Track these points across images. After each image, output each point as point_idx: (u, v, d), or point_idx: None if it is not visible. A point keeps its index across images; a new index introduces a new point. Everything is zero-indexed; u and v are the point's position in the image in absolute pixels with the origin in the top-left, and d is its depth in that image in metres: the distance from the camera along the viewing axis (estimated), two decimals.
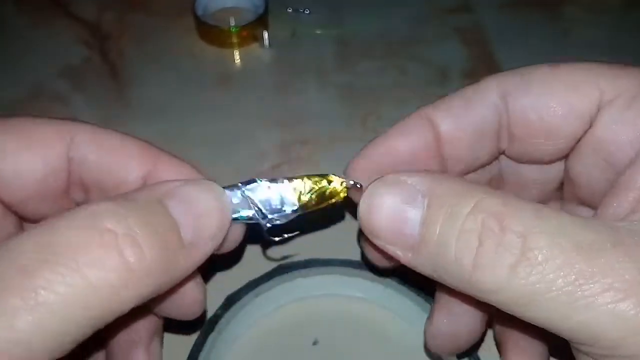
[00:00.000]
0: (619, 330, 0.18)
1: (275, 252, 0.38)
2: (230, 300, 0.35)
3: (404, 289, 0.35)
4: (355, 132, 0.48)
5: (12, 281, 0.18)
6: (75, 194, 0.27)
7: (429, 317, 0.29)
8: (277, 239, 0.28)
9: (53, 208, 0.26)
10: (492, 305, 0.21)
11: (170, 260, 0.22)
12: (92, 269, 0.19)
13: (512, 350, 0.29)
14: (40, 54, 0.54)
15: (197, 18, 0.54)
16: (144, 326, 0.29)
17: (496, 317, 0.30)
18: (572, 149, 0.26)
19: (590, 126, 0.24)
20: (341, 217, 0.40)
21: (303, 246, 0.38)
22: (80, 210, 0.21)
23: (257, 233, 0.27)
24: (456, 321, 0.28)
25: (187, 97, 0.50)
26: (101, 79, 0.52)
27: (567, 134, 0.25)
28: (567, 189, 0.28)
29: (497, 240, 0.20)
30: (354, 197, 0.27)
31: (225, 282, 0.36)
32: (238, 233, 0.27)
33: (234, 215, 0.26)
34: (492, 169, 0.29)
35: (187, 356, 0.33)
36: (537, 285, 0.19)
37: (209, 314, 0.35)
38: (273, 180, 0.27)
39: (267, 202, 0.26)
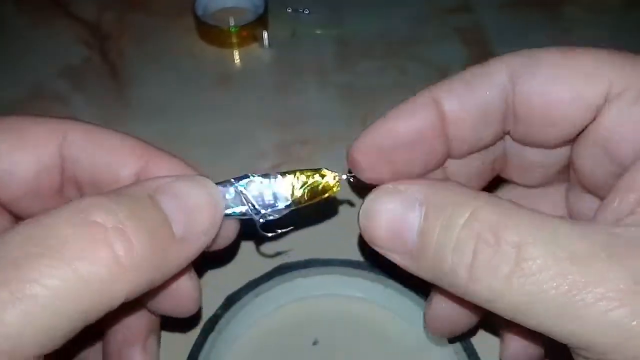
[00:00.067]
0: (613, 337, 0.19)
1: (269, 248, 0.38)
2: (230, 300, 0.35)
3: (404, 289, 0.35)
4: (355, 132, 0.47)
5: (0, 275, 0.18)
6: (69, 191, 0.27)
7: (428, 301, 0.29)
8: (270, 234, 0.28)
9: (47, 206, 0.26)
10: None
11: (161, 254, 0.22)
12: (82, 262, 0.19)
13: (509, 333, 0.29)
14: (40, 54, 0.54)
15: (197, 18, 0.54)
16: (140, 324, 0.29)
17: None
18: (577, 137, 0.25)
19: (596, 117, 0.24)
20: (334, 212, 0.41)
21: (299, 243, 0.38)
22: (70, 205, 0.20)
23: (251, 229, 0.27)
24: (454, 308, 0.28)
25: (187, 97, 0.50)
26: (101, 79, 0.52)
27: (571, 123, 0.25)
28: (573, 175, 0.28)
29: (491, 251, 0.20)
30: (355, 185, 0.27)
31: (225, 282, 0.36)
32: (231, 229, 0.27)
33: (227, 211, 0.26)
34: (497, 149, 0.29)
35: (187, 356, 0.33)
36: (532, 296, 0.19)
37: (209, 314, 0.35)
38: (266, 175, 0.27)
39: (260, 198, 0.26)
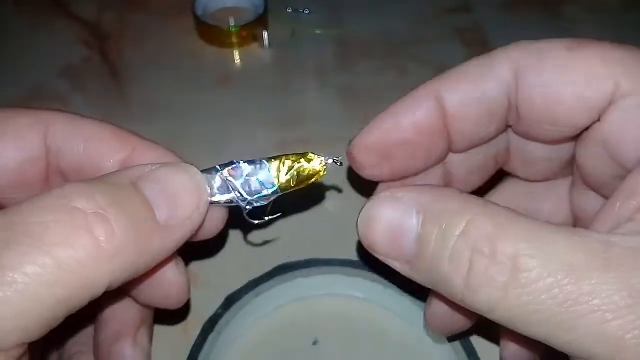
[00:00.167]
0: (608, 350, 0.19)
1: (256, 237, 0.38)
2: (230, 300, 0.35)
3: (404, 289, 0.35)
4: (355, 132, 0.48)
5: None
6: (55, 182, 0.27)
7: (429, 299, 0.29)
8: (257, 222, 0.28)
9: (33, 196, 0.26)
10: None
11: (143, 240, 0.21)
12: (62, 248, 0.19)
13: (509, 333, 0.29)
14: (40, 54, 0.54)
15: (197, 18, 0.54)
16: (131, 316, 0.29)
17: None
18: (580, 135, 0.25)
19: (601, 118, 0.24)
20: (322, 198, 0.41)
21: (285, 230, 0.38)
22: (51, 193, 0.20)
23: (239, 217, 0.27)
24: (453, 307, 0.28)
25: (187, 97, 0.50)
26: (101, 79, 0.52)
27: (574, 124, 0.24)
28: (576, 171, 0.28)
29: (487, 262, 0.20)
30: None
31: (225, 282, 0.36)
32: (219, 218, 0.27)
33: (214, 199, 0.25)
34: (499, 143, 0.28)
35: (187, 356, 0.33)
36: (529, 306, 0.19)
37: (209, 314, 0.35)
38: (252, 162, 0.26)
39: (246, 185, 0.26)
